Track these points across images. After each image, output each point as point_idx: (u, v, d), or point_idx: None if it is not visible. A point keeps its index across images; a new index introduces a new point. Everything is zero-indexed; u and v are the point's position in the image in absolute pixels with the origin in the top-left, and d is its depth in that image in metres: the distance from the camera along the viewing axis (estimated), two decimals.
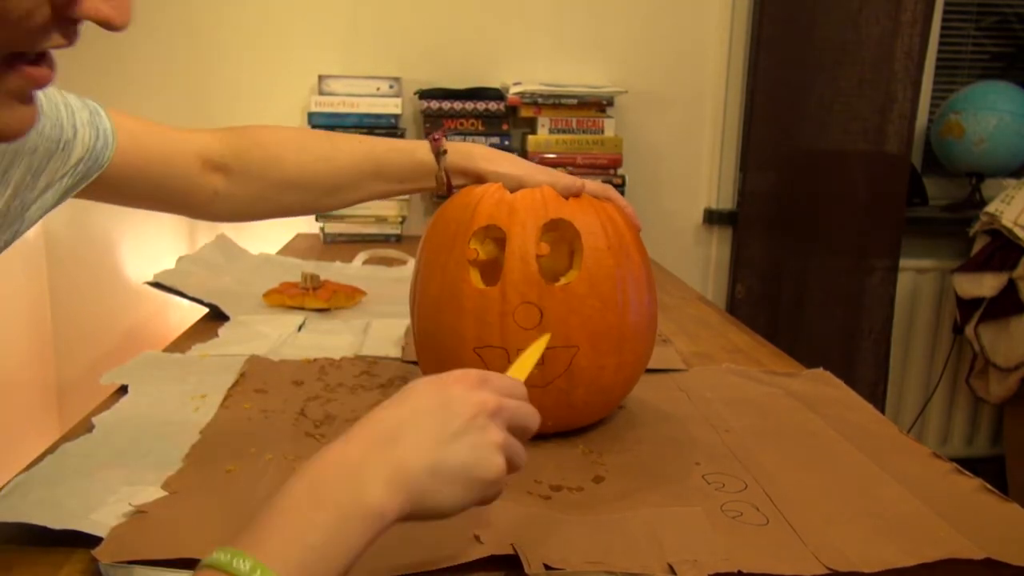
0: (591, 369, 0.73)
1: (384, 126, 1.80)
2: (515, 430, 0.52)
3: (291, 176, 0.79)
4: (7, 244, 0.65)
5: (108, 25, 0.41)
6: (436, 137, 0.81)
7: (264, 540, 0.41)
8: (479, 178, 0.81)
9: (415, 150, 0.81)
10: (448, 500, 0.48)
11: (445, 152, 0.81)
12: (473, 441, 0.49)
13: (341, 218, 1.78)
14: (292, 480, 0.44)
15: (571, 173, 2.01)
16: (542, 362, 0.70)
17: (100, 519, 0.58)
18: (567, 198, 0.76)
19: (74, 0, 0.39)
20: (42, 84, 0.43)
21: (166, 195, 0.75)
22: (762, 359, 1.04)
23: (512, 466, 0.51)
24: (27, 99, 0.44)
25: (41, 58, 0.43)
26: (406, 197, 1.81)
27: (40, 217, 0.67)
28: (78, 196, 0.71)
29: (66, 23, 0.40)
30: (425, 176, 0.82)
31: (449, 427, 0.48)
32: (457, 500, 0.48)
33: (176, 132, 0.76)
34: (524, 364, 0.61)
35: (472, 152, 0.82)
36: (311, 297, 1.20)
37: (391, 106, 1.80)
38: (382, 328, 1.11)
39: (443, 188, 0.82)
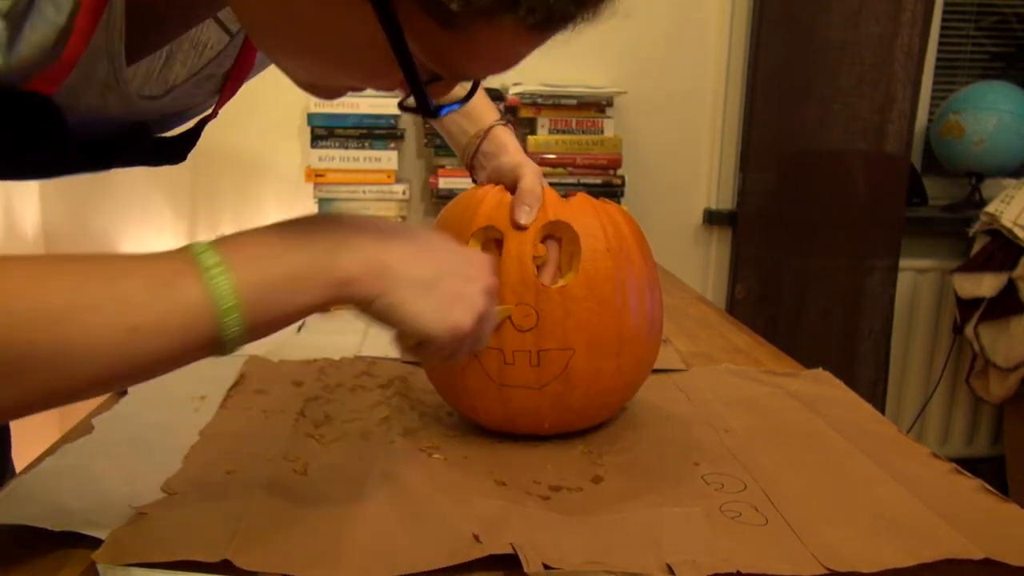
0: (589, 372, 0.72)
1: (384, 126, 1.80)
2: (485, 319, 0.55)
3: None
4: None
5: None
6: (504, 120, 0.84)
7: (238, 248, 0.43)
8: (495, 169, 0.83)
9: (483, 119, 0.84)
10: (414, 308, 0.48)
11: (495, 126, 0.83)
12: (462, 286, 0.51)
13: None
14: (290, 219, 0.47)
15: (571, 173, 1.96)
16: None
17: (100, 520, 0.58)
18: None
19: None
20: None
21: None
22: (762, 359, 1.04)
23: (473, 341, 0.55)
24: None
25: None
26: (406, 197, 1.82)
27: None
28: None
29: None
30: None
31: (446, 268, 0.51)
32: (421, 314, 0.49)
33: None
34: None
35: (501, 150, 0.82)
36: None
37: (391, 106, 1.80)
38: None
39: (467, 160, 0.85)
